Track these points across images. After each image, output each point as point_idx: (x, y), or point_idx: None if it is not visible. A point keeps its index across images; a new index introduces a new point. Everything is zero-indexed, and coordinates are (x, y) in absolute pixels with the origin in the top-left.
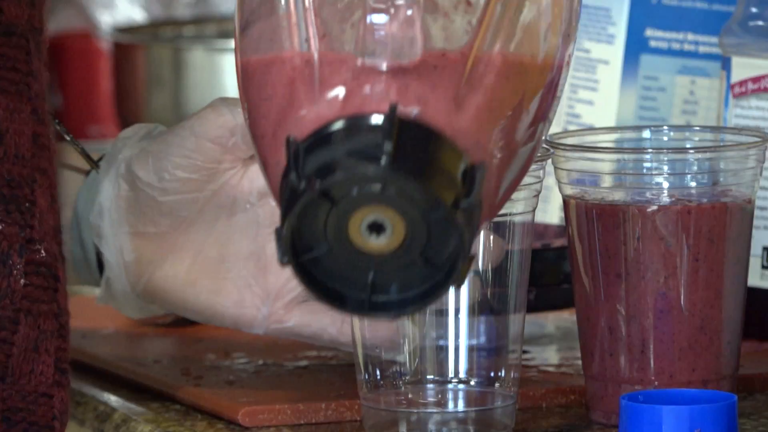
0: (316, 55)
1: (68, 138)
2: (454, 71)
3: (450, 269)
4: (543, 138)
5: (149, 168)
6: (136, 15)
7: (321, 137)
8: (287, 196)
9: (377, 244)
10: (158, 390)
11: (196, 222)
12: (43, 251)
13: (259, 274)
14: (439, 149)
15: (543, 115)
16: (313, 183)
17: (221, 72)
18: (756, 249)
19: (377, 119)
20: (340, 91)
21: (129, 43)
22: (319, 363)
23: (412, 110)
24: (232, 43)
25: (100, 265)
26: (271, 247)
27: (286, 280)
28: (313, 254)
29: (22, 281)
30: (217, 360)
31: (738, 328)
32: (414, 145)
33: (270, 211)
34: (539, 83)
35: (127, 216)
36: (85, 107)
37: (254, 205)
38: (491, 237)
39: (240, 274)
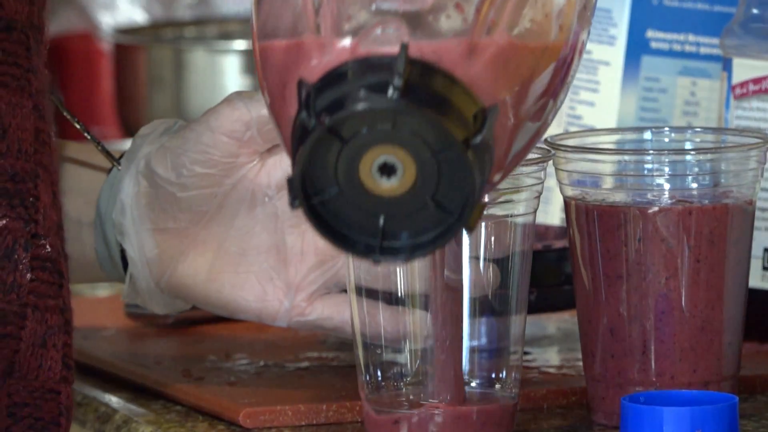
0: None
1: (89, 137)
2: (466, 20)
3: (461, 212)
4: (549, 120)
5: (167, 164)
6: (137, 16)
7: (332, 77)
8: (298, 135)
9: (388, 186)
10: (159, 391)
11: (216, 217)
12: (48, 246)
13: (281, 267)
14: (450, 89)
15: (552, 92)
16: (323, 119)
17: (222, 73)
18: (757, 250)
19: (388, 58)
20: (351, 37)
21: (130, 44)
22: (320, 364)
23: (423, 51)
24: (233, 45)
25: (125, 262)
26: (292, 240)
27: (307, 271)
28: (323, 197)
29: (29, 276)
30: (218, 361)
31: (739, 329)
32: (425, 83)
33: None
34: (551, 56)
35: (148, 213)
36: (86, 108)
37: (273, 198)
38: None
39: (261, 268)
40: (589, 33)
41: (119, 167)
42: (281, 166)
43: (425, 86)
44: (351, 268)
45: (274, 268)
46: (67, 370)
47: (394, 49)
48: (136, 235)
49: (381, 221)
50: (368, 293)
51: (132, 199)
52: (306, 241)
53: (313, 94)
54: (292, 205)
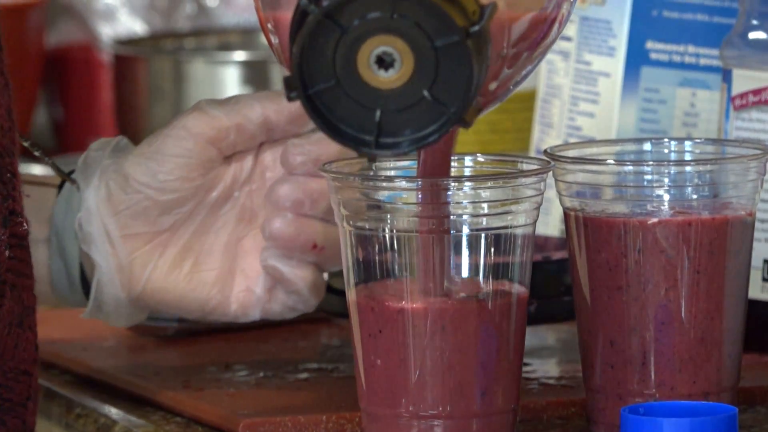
0: None
1: (38, 153)
2: None
3: (459, 105)
4: (520, 74)
5: (144, 170)
6: (137, 27)
7: None
8: (297, 21)
9: (385, 78)
10: (159, 402)
11: (193, 218)
12: (24, 224)
13: (249, 261)
14: None
15: (529, 43)
16: (321, 1)
17: (222, 84)
18: (757, 261)
19: None
20: None
21: (130, 56)
22: (320, 375)
23: None
24: (232, 56)
25: (83, 282)
26: (257, 234)
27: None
28: (320, 86)
29: (7, 253)
30: (217, 372)
31: (739, 340)
32: None
33: (258, 196)
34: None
35: (120, 219)
36: (86, 119)
37: (239, 196)
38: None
39: (233, 264)
40: (571, 7)
41: (72, 182)
42: (249, 164)
43: None
44: (351, 278)
45: (245, 263)
46: (37, 352)
47: None
48: (106, 242)
49: (378, 114)
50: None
51: (99, 208)
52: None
53: None
54: (289, 98)
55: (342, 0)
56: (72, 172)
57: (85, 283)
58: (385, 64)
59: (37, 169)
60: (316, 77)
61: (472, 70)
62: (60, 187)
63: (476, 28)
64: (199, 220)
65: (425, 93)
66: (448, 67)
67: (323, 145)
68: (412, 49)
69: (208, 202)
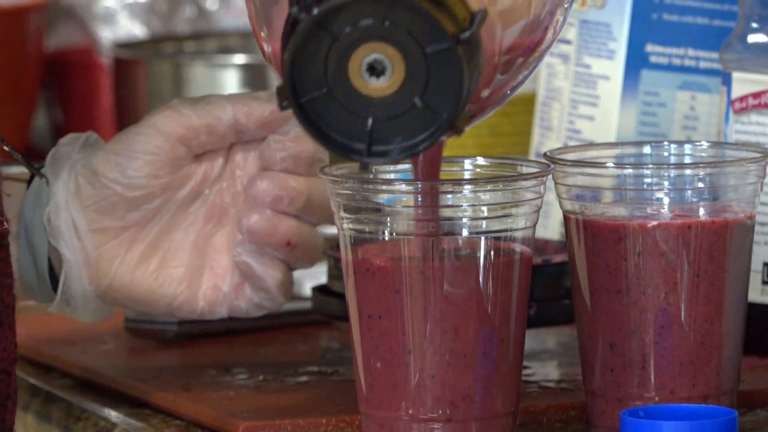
0: None
1: (7, 148)
2: None
3: (450, 112)
4: (516, 80)
5: (113, 166)
6: (137, 31)
7: None
8: (288, 29)
9: (377, 85)
10: (159, 405)
11: (161, 214)
12: (5, 223)
13: (217, 257)
14: None
15: (523, 50)
16: (311, 9)
17: (221, 87)
18: (756, 264)
19: None
20: None
21: (130, 59)
22: (320, 378)
23: None
24: (232, 59)
25: (51, 276)
26: (226, 231)
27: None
28: (312, 95)
29: None
30: (217, 375)
31: (738, 343)
32: None
33: (228, 194)
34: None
35: (88, 213)
36: (85, 122)
37: (209, 194)
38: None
39: (201, 261)
40: (566, 13)
41: (41, 177)
42: (219, 162)
43: None
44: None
45: (213, 260)
46: (16, 351)
47: None
48: (73, 236)
49: (369, 123)
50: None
51: (68, 202)
52: (233, 232)
53: None
54: (281, 107)
55: (332, 7)
56: (41, 166)
57: (54, 278)
58: (377, 71)
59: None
60: (308, 85)
61: (462, 76)
62: (29, 182)
63: (466, 34)
64: (168, 217)
65: (416, 100)
66: (439, 74)
67: (303, 142)
68: (403, 56)
69: (177, 199)
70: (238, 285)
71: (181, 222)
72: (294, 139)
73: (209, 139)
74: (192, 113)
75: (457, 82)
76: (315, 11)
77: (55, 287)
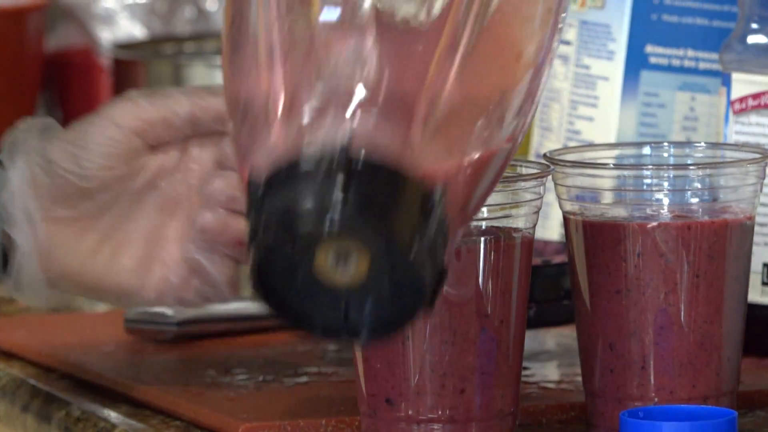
0: (276, 88)
1: None
2: (410, 98)
3: (417, 302)
4: (519, 139)
5: (67, 155)
6: (137, 31)
7: (279, 177)
8: (249, 237)
9: (344, 275)
10: (158, 406)
11: (115, 204)
12: None
13: (168, 248)
14: (395, 184)
15: (523, 113)
16: (269, 229)
17: None
18: (756, 265)
19: (331, 157)
20: (297, 125)
21: (129, 60)
22: (320, 379)
23: (366, 143)
24: None
25: (4, 260)
26: (176, 224)
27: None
28: (283, 295)
29: None
30: (217, 376)
31: (738, 344)
32: (369, 184)
33: (182, 186)
34: (514, 82)
35: (42, 201)
36: None
37: (166, 184)
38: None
39: (151, 252)
40: (557, 45)
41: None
42: (175, 155)
43: (369, 187)
44: None
45: (165, 251)
46: None
47: (337, 142)
48: (27, 223)
49: (342, 310)
50: None
51: (22, 190)
52: (186, 225)
53: (261, 196)
54: (255, 299)
55: (291, 228)
56: None
57: (6, 261)
58: (343, 262)
59: None
60: (278, 286)
61: (423, 278)
62: None
63: (426, 239)
64: (122, 208)
65: (384, 288)
66: (403, 270)
67: None
68: (366, 252)
69: (132, 190)
70: (187, 277)
71: (134, 213)
72: None
73: (165, 132)
74: (148, 106)
75: (420, 280)
76: (273, 230)
77: (6, 270)
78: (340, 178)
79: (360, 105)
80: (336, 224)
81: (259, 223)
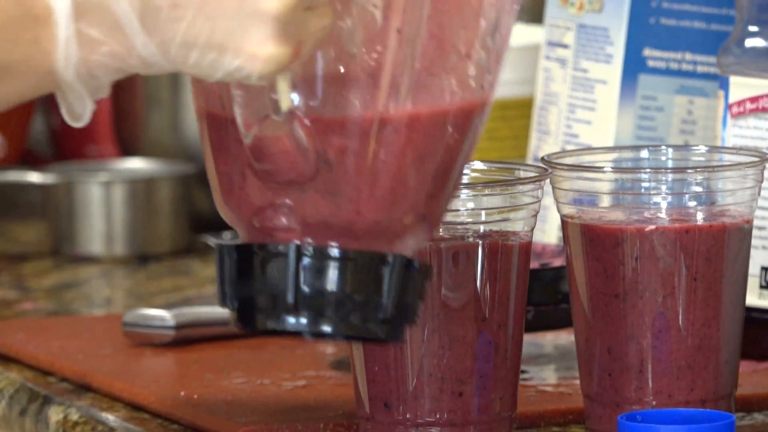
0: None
1: None
2: (351, 171)
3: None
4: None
5: None
6: None
7: (241, 262)
8: (220, 303)
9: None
10: (157, 409)
11: None
12: None
13: None
14: (347, 267)
15: (463, 159)
16: (234, 315)
17: None
18: (754, 269)
19: (281, 251)
20: (250, 208)
21: None
22: (318, 382)
23: (315, 231)
24: None
25: None
26: None
27: None
28: (266, 327)
29: None
30: (215, 379)
31: (736, 347)
32: (320, 273)
33: None
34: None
35: None
36: (83, 127)
37: None
38: None
39: None
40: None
41: None
42: None
43: (321, 277)
44: None
45: None
46: None
47: (286, 235)
48: None
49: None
50: None
51: None
52: None
53: (228, 283)
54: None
55: (252, 318)
56: None
57: None
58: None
59: (34, 176)
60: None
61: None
62: None
63: (390, 315)
64: None
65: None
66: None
67: None
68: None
69: None
70: None
71: None
72: None
73: None
74: None
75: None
76: (237, 317)
77: None
78: (287, 277)
79: (301, 187)
80: (290, 324)
81: (225, 303)
